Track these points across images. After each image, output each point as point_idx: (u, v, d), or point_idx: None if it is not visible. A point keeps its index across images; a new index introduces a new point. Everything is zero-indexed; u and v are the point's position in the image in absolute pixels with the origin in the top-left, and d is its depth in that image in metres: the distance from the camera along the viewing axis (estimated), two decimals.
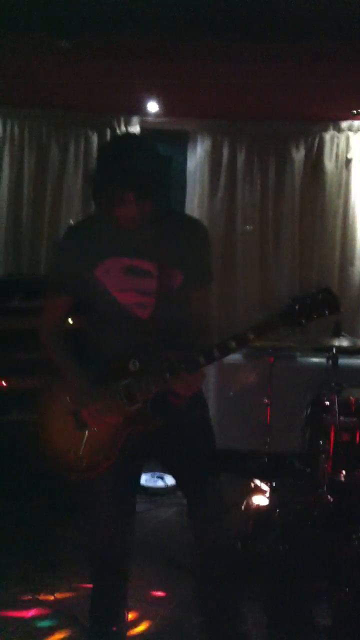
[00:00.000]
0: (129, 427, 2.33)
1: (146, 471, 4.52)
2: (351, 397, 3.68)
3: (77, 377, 2.38)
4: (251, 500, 3.67)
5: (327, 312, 2.16)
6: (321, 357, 4.53)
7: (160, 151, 2.31)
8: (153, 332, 2.33)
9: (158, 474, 4.47)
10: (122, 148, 2.25)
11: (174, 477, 2.63)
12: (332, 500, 3.41)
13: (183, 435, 2.41)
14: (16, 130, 5.16)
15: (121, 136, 2.39)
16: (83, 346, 2.46)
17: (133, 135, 2.37)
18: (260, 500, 3.66)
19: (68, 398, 2.39)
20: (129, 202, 2.20)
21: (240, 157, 5.29)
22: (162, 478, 4.44)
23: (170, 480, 4.35)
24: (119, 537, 2.47)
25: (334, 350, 3.63)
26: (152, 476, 4.48)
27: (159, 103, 5.15)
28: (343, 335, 3.75)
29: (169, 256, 2.36)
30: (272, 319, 2.19)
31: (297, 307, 2.14)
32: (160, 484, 4.38)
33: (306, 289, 2.19)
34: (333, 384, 3.49)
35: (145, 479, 4.43)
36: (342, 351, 3.74)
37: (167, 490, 4.34)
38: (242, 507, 3.66)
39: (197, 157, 5.35)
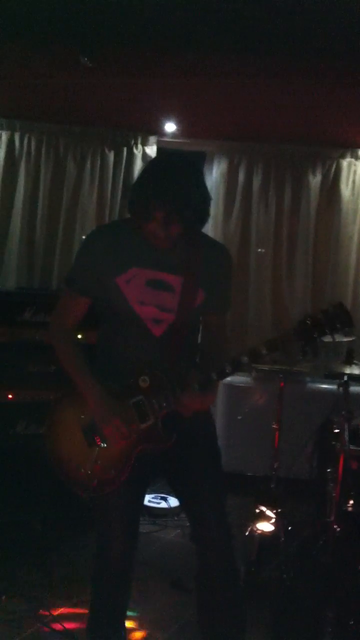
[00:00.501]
0: (140, 445, 2.29)
1: (149, 492, 4.48)
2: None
3: (96, 387, 2.32)
4: (256, 525, 3.61)
5: (339, 326, 2.17)
6: (331, 384, 4.53)
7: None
8: (164, 349, 2.32)
9: (162, 495, 4.42)
10: (177, 170, 2.22)
11: (179, 495, 2.58)
12: (338, 529, 3.35)
13: (191, 453, 2.38)
14: (33, 144, 5.18)
15: (174, 156, 2.37)
16: (92, 356, 2.41)
17: (185, 158, 2.36)
18: (266, 526, 3.60)
19: (82, 412, 2.33)
20: (168, 222, 2.20)
21: (257, 180, 5.29)
22: (165, 499, 4.39)
23: (173, 501, 4.31)
24: (122, 554, 2.41)
25: (346, 378, 3.58)
26: (156, 497, 4.43)
27: (176, 123, 5.19)
28: (355, 363, 3.71)
29: (194, 274, 2.34)
30: (285, 334, 2.20)
31: (309, 321, 2.15)
32: (163, 505, 4.33)
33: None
34: (343, 412, 3.44)
35: (148, 500, 4.38)
36: (354, 378, 3.70)
37: (170, 511, 4.28)
38: (247, 532, 3.60)
39: (213, 178, 5.35)
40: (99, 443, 2.31)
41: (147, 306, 2.30)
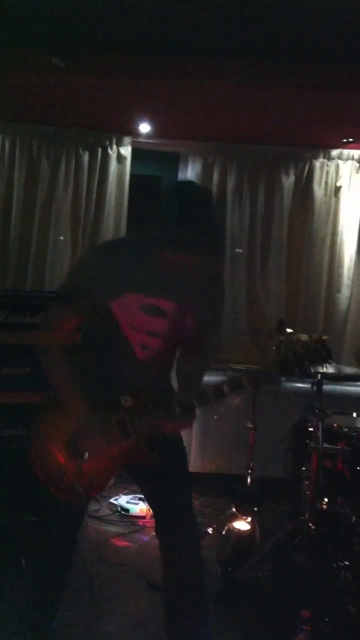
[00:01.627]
0: (123, 459, 2.36)
1: (127, 493, 4.49)
2: (334, 424, 3.66)
3: (80, 403, 2.34)
4: (232, 525, 3.63)
5: (318, 361, 2.26)
6: (305, 383, 4.57)
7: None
8: (147, 371, 2.38)
9: (139, 496, 4.43)
10: (201, 204, 2.24)
11: (144, 493, 2.64)
12: (313, 527, 3.39)
13: (161, 463, 2.41)
14: (7, 145, 5.15)
15: (204, 193, 2.40)
16: (75, 370, 2.43)
17: (208, 192, 2.44)
18: (241, 525, 3.63)
19: (66, 423, 2.36)
20: (200, 259, 2.24)
21: (230, 180, 5.31)
22: (143, 500, 4.39)
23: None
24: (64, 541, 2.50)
25: (319, 377, 3.62)
26: (134, 498, 4.43)
27: (151, 124, 5.18)
28: (329, 362, 3.74)
29: (187, 300, 2.38)
30: (269, 373, 2.29)
31: (291, 357, 2.21)
32: (141, 506, 4.33)
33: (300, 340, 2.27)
34: (317, 410, 3.48)
35: (126, 501, 4.39)
36: (327, 377, 3.74)
37: (149, 512, 4.28)
38: (223, 531, 3.62)
39: (187, 178, 5.36)
40: (82, 456, 2.34)
41: (137, 331, 2.35)
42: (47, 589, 2.60)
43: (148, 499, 2.63)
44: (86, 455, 2.33)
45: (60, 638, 2.73)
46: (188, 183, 2.45)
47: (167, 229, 2.24)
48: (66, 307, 2.41)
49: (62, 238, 5.16)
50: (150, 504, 2.62)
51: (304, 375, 2.32)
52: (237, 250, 5.29)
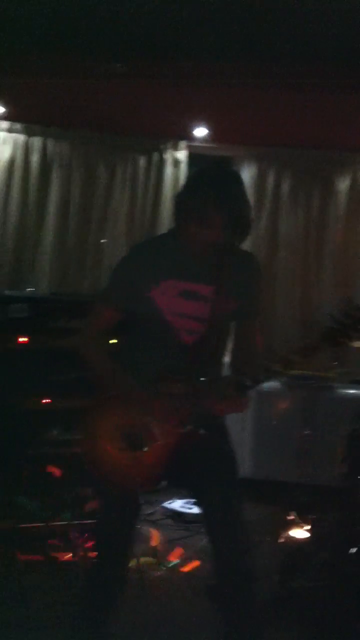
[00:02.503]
0: (178, 447, 2.33)
1: (181, 498, 4.51)
2: None
3: (139, 390, 2.35)
4: (288, 533, 3.64)
5: None
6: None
7: None
8: (196, 357, 2.36)
9: (193, 500, 4.44)
10: (226, 177, 2.31)
11: (195, 498, 2.63)
12: None
13: (208, 458, 2.40)
14: (65, 151, 5.22)
15: (224, 166, 2.46)
16: (123, 364, 2.44)
17: (234, 170, 2.52)
18: (298, 533, 3.63)
19: (121, 416, 2.37)
20: (221, 227, 2.25)
21: (285, 185, 5.30)
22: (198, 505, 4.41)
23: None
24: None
25: None
26: (188, 502, 4.46)
27: (207, 128, 5.21)
28: None
29: (226, 283, 2.39)
30: (315, 341, 2.19)
31: (337, 326, 2.14)
32: (195, 510, 4.35)
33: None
34: None
35: (180, 506, 4.41)
36: None
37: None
38: (279, 540, 3.63)
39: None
40: (142, 446, 2.34)
41: (180, 317, 2.37)
42: (104, 589, 2.62)
43: (198, 500, 2.58)
44: (146, 445, 2.33)
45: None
46: (214, 165, 2.49)
47: (193, 207, 2.28)
48: (106, 302, 2.47)
49: (104, 241, 5.22)
50: (201, 506, 2.59)
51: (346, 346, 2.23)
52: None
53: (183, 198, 2.34)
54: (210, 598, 2.85)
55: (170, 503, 4.47)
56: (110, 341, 2.52)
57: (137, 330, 2.46)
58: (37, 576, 3.46)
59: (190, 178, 2.50)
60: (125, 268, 2.45)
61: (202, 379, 2.32)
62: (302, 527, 3.68)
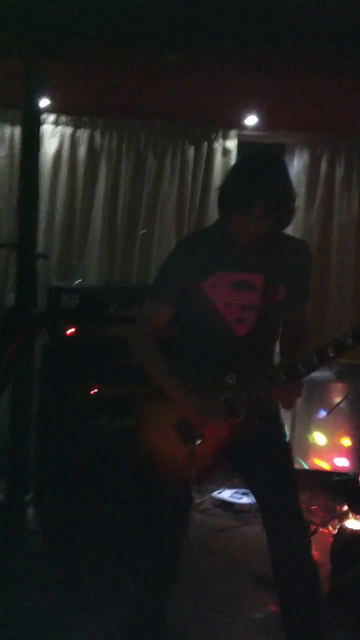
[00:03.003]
0: (232, 438, 2.33)
1: (231, 487, 4.47)
2: None
3: (186, 390, 2.35)
4: (344, 524, 3.55)
5: None
6: None
7: None
8: (248, 347, 2.36)
9: (243, 490, 4.40)
10: (268, 165, 2.32)
11: (250, 488, 2.63)
12: None
13: (263, 446, 2.40)
14: (115, 141, 5.22)
15: (266, 154, 2.46)
16: (172, 358, 2.45)
17: (277, 156, 2.52)
18: (355, 524, 3.54)
19: (173, 410, 2.37)
20: (264, 214, 2.26)
21: (339, 172, 5.19)
22: (247, 494, 4.36)
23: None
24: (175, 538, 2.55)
25: None
26: (237, 492, 4.41)
27: (258, 116, 5.13)
28: None
29: (275, 270, 2.39)
30: None
31: None
32: (245, 500, 4.30)
33: None
34: None
35: (230, 495, 4.37)
36: None
37: (253, 506, 4.25)
38: (336, 530, 3.55)
39: (294, 170, 5.27)
40: (193, 440, 2.34)
41: (232, 307, 2.37)
42: (158, 578, 2.62)
43: (253, 490, 2.59)
44: (198, 439, 2.33)
45: (169, 629, 2.73)
46: (254, 153, 2.49)
47: (236, 198, 2.28)
48: (158, 298, 2.48)
49: (145, 230, 5.19)
50: (255, 496, 2.56)
51: None
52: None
53: (226, 189, 2.35)
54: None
55: (219, 492, 4.43)
56: (164, 336, 2.51)
57: (191, 323, 2.46)
58: None
59: (232, 168, 2.49)
60: (176, 263, 2.47)
61: (255, 367, 2.31)
62: (358, 518, 3.58)
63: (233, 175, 2.38)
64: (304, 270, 2.53)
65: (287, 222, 2.38)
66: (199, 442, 2.33)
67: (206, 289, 2.37)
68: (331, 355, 2.20)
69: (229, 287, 2.37)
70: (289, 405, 2.44)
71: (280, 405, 2.45)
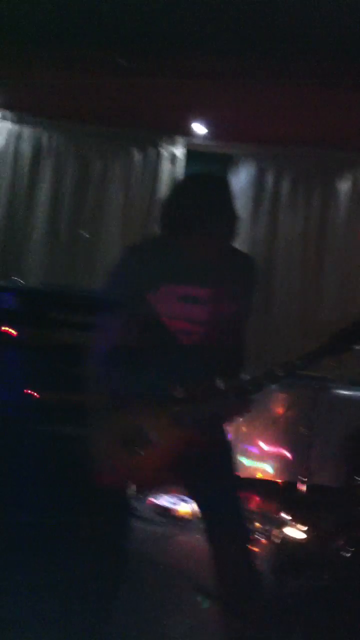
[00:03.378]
0: (180, 451, 2.32)
1: (169, 493, 4.40)
2: None
3: (132, 402, 2.35)
4: (286, 532, 3.52)
5: None
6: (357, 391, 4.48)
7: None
8: (195, 359, 2.37)
9: (181, 496, 4.33)
10: (211, 187, 2.35)
11: (194, 498, 2.62)
12: None
13: (206, 457, 2.37)
14: (60, 142, 5.16)
15: (207, 175, 2.52)
16: (123, 368, 2.42)
17: (218, 176, 2.58)
18: (295, 533, 3.52)
19: (123, 419, 2.35)
20: (200, 238, 2.30)
21: (285, 184, 5.23)
22: (185, 500, 4.30)
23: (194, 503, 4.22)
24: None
25: None
26: (174, 498, 4.35)
27: (206, 125, 5.15)
28: None
29: (222, 285, 2.41)
30: (320, 349, 2.25)
31: (340, 335, 2.23)
32: (184, 506, 4.24)
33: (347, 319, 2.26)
34: None
35: (168, 501, 4.30)
36: None
37: (192, 513, 4.19)
38: (277, 539, 3.52)
39: (240, 182, 5.29)
40: (140, 450, 2.32)
41: (178, 320, 2.38)
42: (100, 587, 2.54)
43: (196, 499, 2.55)
44: (142, 450, 2.31)
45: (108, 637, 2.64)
46: (199, 173, 2.59)
47: (180, 217, 2.31)
48: (106, 308, 2.46)
49: (87, 235, 5.13)
50: (199, 505, 2.53)
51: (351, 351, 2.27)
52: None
53: (169, 207, 2.38)
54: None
55: (158, 498, 4.35)
56: (114, 345, 2.47)
57: (138, 334, 2.45)
58: None
59: (176, 186, 2.59)
60: (123, 272, 2.46)
61: (204, 382, 2.33)
62: (298, 527, 3.57)
63: (177, 194, 2.41)
64: (249, 284, 2.54)
65: (231, 241, 2.41)
66: (142, 452, 2.31)
67: (152, 301, 2.37)
68: (281, 375, 2.25)
69: (176, 300, 2.37)
70: (234, 421, 2.49)
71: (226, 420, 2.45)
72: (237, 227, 2.37)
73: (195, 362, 2.36)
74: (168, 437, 2.30)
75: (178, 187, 2.50)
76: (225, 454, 2.49)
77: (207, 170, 2.75)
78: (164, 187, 5.17)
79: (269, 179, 5.27)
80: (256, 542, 3.64)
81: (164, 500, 4.31)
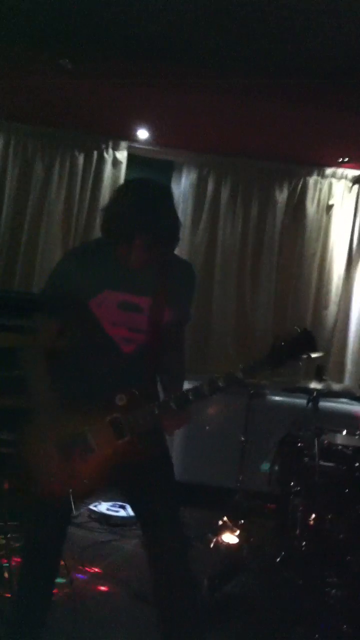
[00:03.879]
0: (117, 459, 2.32)
1: (107, 500, 4.43)
2: (325, 441, 3.66)
3: (57, 410, 2.33)
4: (220, 538, 3.61)
5: (305, 354, 2.27)
6: (290, 397, 4.60)
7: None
8: (136, 367, 2.36)
9: (119, 503, 4.37)
10: (152, 196, 2.30)
11: (131, 505, 2.63)
12: (305, 544, 3.37)
13: (144, 465, 2.39)
14: (1, 144, 5.08)
15: (148, 182, 2.42)
16: (63, 374, 2.41)
17: (160, 184, 2.45)
18: (230, 538, 3.60)
19: (57, 425, 2.33)
20: (147, 247, 2.26)
21: (225, 193, 5.33)
22: (124, 507, 4.35)
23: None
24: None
25: (315, 393, 3.63)
26: (114, 505, 4.38)
27: (149, 130, 5.17)
28: (324, 379, 3.75)
29: (161, 294, 2.39)
30: (261, 361, 2.24)
31: (280, 348, 2.22)
32: (122, 513, 4.28)
33: (287, 330, 2.27)
34: (314, 427, 3.48)
35: (106, 508, 4.33)
36: (320, 394, 3.74)
37: (129, 520, 4.23)
38: (211, 544, 3.60)
39: (181, 188, 5.36)
40: (75, 457, 2.31)
41: (119, 327, 2.36)
42: (35, 595, 2.55)
43: (134, 507, 2.59)
44: (76, 457, 2.30)
45: None
46: (140, 180, 2.49)
47: (115, 225, 2.29)
48: (47, 312, 2.42)
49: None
50: (137, 513, 2.58)
51: (294, 365, 2.32)
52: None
53: (109, 215, 2.33)
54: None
55: (96, 505, 4.38)
56: (51, 350, 2.45)
57: (77, 340, 2.42)
58: None
59: (116, 194, 2.42)
60: (63, 275, 2.41)
61: (144, 390, 2.33)
62: (234, 532, 3.65)
63: (117, 203, 2.34)
64: (188, 291, 2.55)
65: (171, 249, 2.39)
66: (76, 459, 2.31)
67: (92, 307, 2.34)
68: (221, 385, 2.25)
69: (116, 307, 2.34)
70: (173, 431, 2.48)
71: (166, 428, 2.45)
72: (178, 233, 2.35)
73: (135, 369, 2.36)
74: (107, 444, 2.30)
75: (119, 192, 2.42)
76: (163, 462, 2.50)
77: (149, 175, 2.66)
78: (106, 192, 5.18)
79: (210, 186, 5.33)
80: (192, 548, 3.72)
81: (103, 508, 4.34)
